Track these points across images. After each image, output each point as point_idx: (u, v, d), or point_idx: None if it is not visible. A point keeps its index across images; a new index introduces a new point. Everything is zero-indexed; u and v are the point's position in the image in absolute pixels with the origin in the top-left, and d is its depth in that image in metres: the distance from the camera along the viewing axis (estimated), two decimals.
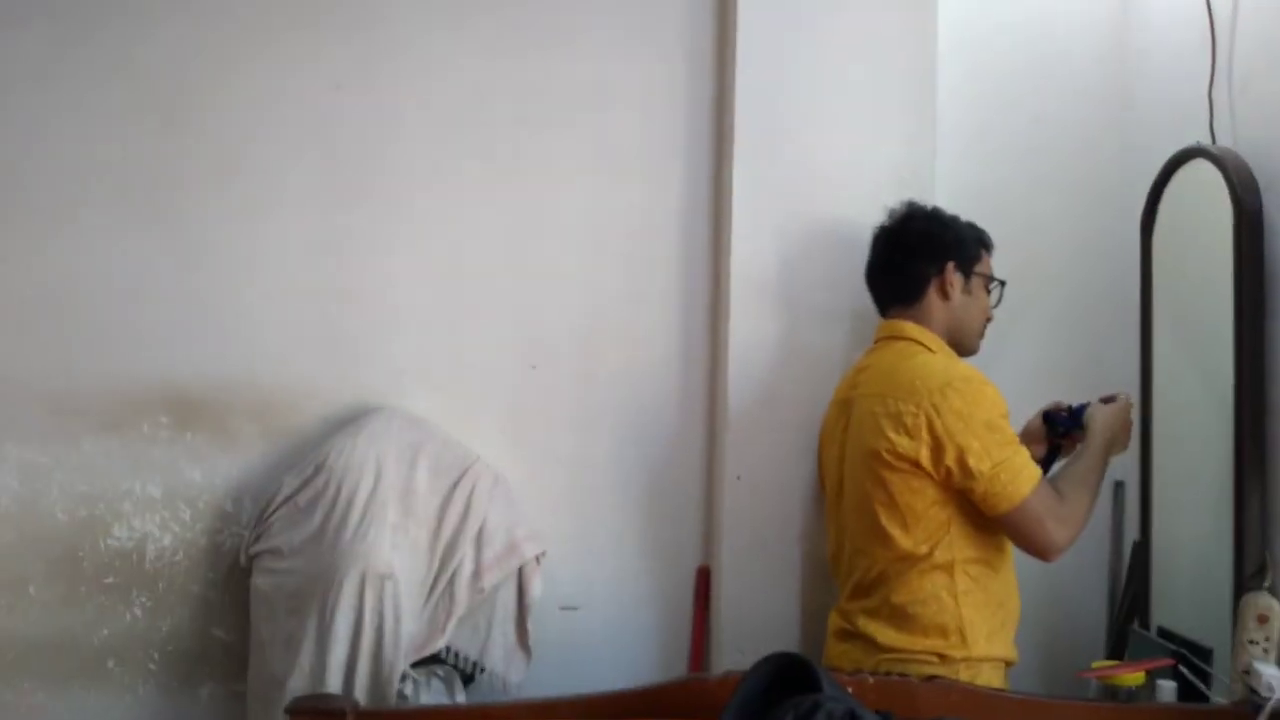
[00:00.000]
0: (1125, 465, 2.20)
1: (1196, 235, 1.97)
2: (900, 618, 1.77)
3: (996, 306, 1.97)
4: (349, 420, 2.18)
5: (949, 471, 1.73)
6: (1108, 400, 1.93)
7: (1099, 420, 1.88)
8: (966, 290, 1.91)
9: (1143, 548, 2.09)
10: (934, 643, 1.75)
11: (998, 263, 1.98)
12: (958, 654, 1.74)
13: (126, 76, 2.19)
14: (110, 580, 2.16)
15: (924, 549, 1.76)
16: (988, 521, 1.77)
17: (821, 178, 2.19)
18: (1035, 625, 1.99)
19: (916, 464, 1.74)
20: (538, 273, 2.28)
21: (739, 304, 2.18)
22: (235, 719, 2.16)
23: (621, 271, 2.30)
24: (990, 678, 1.75)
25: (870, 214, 2.00)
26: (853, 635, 1.84)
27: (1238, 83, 1.88)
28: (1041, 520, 1.73)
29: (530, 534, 2.15)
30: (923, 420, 1.74)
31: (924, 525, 1.76)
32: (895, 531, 1.77)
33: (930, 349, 1.86)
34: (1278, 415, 1.76)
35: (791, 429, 2.16)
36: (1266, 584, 1.72)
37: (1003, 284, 1.97)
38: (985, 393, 1.76)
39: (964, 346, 1.93)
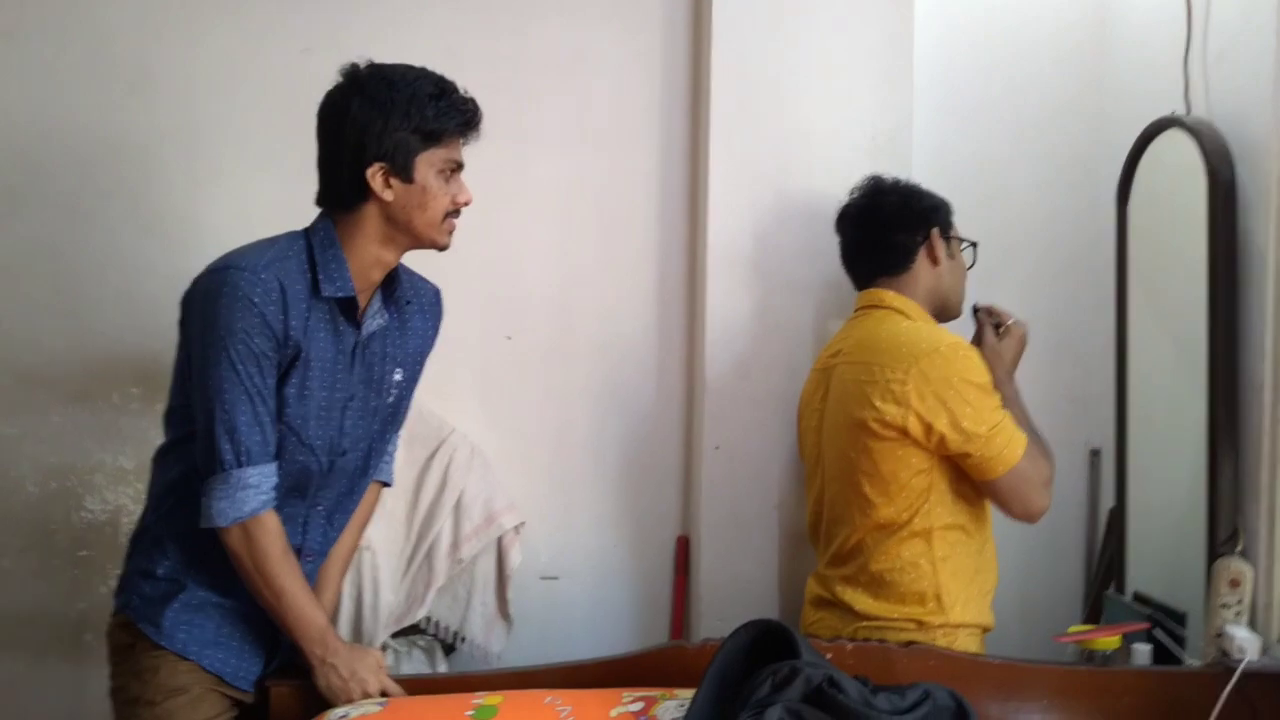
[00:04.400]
0: (1102, 433, 2.22)
1: (1171, 205, 1.98)
2: (878, 585, 1.78)
3: (971, 267, 1.98)
4: None
5: (942, 438, 1.71)
6: (997, 326, 1.88)
7: (1003, 371, 1.84)
8: (950, 254, 1.91)
9: (1118, 514, 2.12)
10: (912, 610, 1.76)
11: (974, 230, 1.98)
12: (935, 620, 1.75)
13: (90, 41, 2.14)
14: (84, 553, 2.14)
15: (904, 516, 1.76)
16: (966, 489, 1.78)
17: (798, 147, 2.18)
18: (1013, 591, 2.01)
19: (904, 432, 1.73)
20: (512, 242, 2.26)
21: (715, 275, 2.18)
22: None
23: (597, 241, 2.28)
24: (967, 644, 1.77)
25: (847, 184, 1.98)
26: (830, 603, 1.85)
27: (1213, 53, 1.88)
28: (1033, 482, 1.74)
29: (508, 505, 2.15)
30: (911, 387, 1.72)
31: (905, 493, 1.75)
32: (877, 500, 1.76)
33: (911, 317, 1.86)
34: (1250, 384, 1.77)
35: (768, 400, 2.16)
36: (1239, 549, 1.75)
37: (974, 245, 1.97)
38: (972, 359, 1.76)
39: (951, 309, 1.93)
